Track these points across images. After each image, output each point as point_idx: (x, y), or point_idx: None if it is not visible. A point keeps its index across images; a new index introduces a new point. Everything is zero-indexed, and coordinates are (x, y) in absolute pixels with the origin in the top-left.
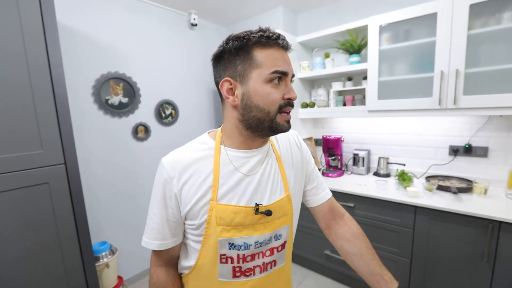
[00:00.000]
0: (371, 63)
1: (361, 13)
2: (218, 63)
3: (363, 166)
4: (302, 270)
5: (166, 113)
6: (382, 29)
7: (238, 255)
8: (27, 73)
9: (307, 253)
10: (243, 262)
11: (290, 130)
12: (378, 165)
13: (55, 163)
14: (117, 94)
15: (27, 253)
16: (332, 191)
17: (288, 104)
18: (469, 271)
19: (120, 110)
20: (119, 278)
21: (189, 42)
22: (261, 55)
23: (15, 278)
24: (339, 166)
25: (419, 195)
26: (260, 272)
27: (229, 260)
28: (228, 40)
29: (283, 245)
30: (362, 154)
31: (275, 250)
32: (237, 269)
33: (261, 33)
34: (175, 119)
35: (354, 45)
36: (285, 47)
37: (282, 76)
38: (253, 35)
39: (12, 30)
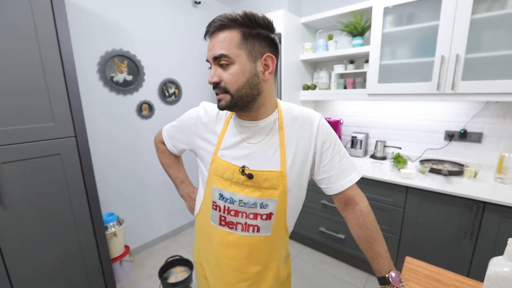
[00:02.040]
0: (373, 46)
1: None
2: None
3: (360, 148)
4: (298, 246)
5: (170, 92)
6: (386, 11)
7: (225, 206)
8: (37, 50)
9: (303, 229)
10: (227, 214)
11: (315, 113)
12: (375, 148)
13: (66, 136)
14: (122, 71)
15: (43, 221)
16: None
17: (213, 87)
18: (452, 248)
19: (124, 87)
20: (126, 247)
21: (193, 20)
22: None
23: (29, 243)
24: None
25: (412, 176)
26: (242, 230)
27: (218, 208)
28: None
29: (268, 216)
30: (360, 137)
31: (259, 216)
32: (222, 218)
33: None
34: (178, 98)
35: (358, 27)
36: (214, 31)
37: (211, 63)
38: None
39: (22, 7)
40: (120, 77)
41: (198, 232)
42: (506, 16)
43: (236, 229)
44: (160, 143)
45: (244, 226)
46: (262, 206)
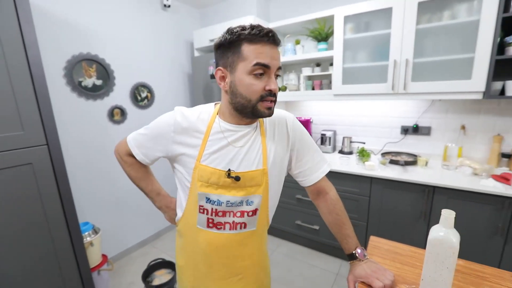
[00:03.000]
0: (336, 50)
1: (330, 2)
2: (216, 52)
3: (329, 145)
4: (276, 240)
5: (142, 96)
6: (346, 19)
7: (212, 209)
8: (1, 54)
9: (280, 224)
10: (215, 216)
11: (289, 114)
12: (343, 144)
13: (37, 144)
14: (91, 76)
15: (15, 234)
16: None
17: (269, 94)
18: (411, 228)
19: (94, 92)
20: (104, 256)
21: (163, 23)
22: (247, 49)
23: (4, 258)
24: None
25: (375, 168)
26: (230, 229)
27: (205, 211)
28: (224, 34)
29: (254, 212)
30: (328, 134)
31: (245, 213)
32: (210, 220)
33: (250, 30)
34: (151, 102)
35: (322, 33)
36: (273, 42)
37: (264, 69)
38: (243, 31)
39: None
40: (89, 81)
41: (182, 237)
42: (443, 27)
43: (224, 228)
44: (125, 156)
45: (232, 225)
46: (248, 203)
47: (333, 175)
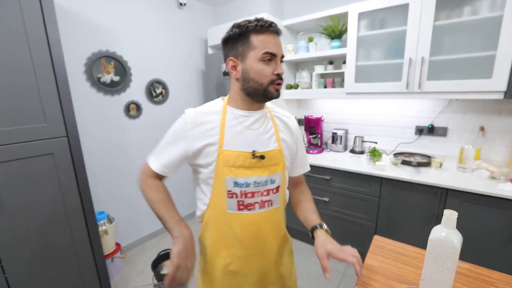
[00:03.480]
0: (350, 48)
1: (341, 0)
2: (225, 45)
3: (340, 144)
4: None
5: (157, 92)
6: (360, 16)
7: (241, 191)
8: (28, 52)
9: (286, 221)
10: (245, 197)
11: (294, 117)
12: (354, 143)
13: (58, 136)
14: (109, 72)
15: (37, 218)
16: (312, 166)
17: (277, 78)
18: (421, 231)
19: (112, 88)
20: (117, 244)
21: (178, 21)
22: (256, 39)
23: (23, 241)
24: (319, 144)
25: (386, 168)
26: (259, 208)
27: (234, 195)
28: (232, 28)
29: (277, 189)
30: (340, 133)
31: (271, 191)
32: (240, 203)
33: (256, 22)
34: (165, 98)
35: (336, 31)
36: (276, 32)
37: (272, 56)
38: (250, 24)
39: (12, 11)
40: (107, 77)
41: (211, 226)
42: (463, 24)
43: (254, 209)
44: (150, 179)
45: (260, 204)
46: (272, 181)
47: (342, 174)
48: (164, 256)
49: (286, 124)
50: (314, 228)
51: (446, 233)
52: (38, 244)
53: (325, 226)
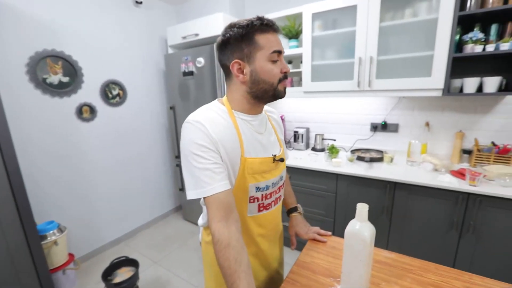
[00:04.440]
0: (305, 48)
1: (299, 0)
2: (225, 47)
3: (302, 142)
4: None
5: (113, 93)
6: (314, 16)
7: (262, 194)
8: None
9: None
10: (265, 199)
11: (275, 111)
12: (315, 141)
13: None
14: (56, 73)
15: None
16: None
17: (285, 76)
18: (374, 223)
19: (60, 89)
20: (70, 255)
21: (135, 20)
22: (262, 39)
23: None
24: None
25: (341, 165)
26: (274, 205)
27: (256, 199)
28: (231, 28)
29: (283, 184)
30: (301, 131)
31: (281, 187)
32: (261, 205)
33: (259, 21)
34: (123, 99)
35: (292, 31)
36: (278, 30)
37: (279, 55)
38: (254, 23)
39: None
40: (54, 78)
41: None
42: (405, 25)
43: (271, 207)
44: (211, 225)
45: (275, 201)
46: (282, 178)
47: (301, 172)
48: (116, 265)
49: (278, 123)
50: (290, 211)
51: (359, 226)
52: None
53: (299, 209)
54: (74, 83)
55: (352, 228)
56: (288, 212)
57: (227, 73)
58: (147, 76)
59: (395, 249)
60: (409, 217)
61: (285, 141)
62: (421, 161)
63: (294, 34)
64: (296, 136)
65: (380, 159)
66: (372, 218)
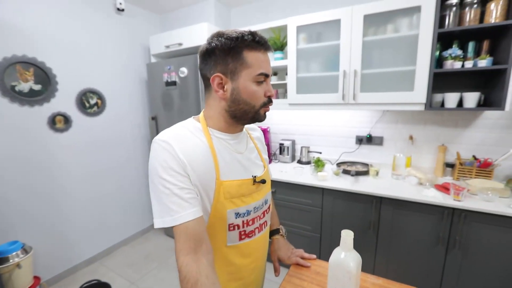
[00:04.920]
0: (290, 60)
1: (285, 12)
2: (209, 57)
3: (288, 154)
4: None
5: (91, 102)
6: (299, 29)
7: (243, 221)
8: None
9: None
10: (247, 226)
11: (257, 128)
12: (301, 153)
13: None
14: (27, 80)
15: None
16: None
17: (269, 100)
18: (361, 238)
19: (31, 98)
20: (36, 278)
21: (116, 27)
22: (250, 57)
23: None
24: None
25: (327, 178)
26: (259, 232)
27: (236, 227)
28: (219, 38)
29: (269, 208)
30: (287, 143)
31: (265, 212)
32: (242, 232)
33: (251, 36)
34: (101, 109)
35: (278, 42)
36: (269, 50)
37: (265, 78)
38: (245, 37)
39: None
40: (24, 86)
41: None
42: (387, 40)
43: (255, 234)
44: (190, 258)
45: (259, 228)
46: (266, 202)
47: (286, 186)
48: None
49: (261, 141)
50: (272, 233)
51: (344, 256)
52: None
53: (282, 231)
54: (46, 91)
55: (337, 258)
56: (269, 234)
57: (207, 84)
58: (128, 85)
59: (382, 265)
60: (396, 232)
61: (270, 154)
62: (406, 174)
63: (279, 46)
64: (281, 148)
65: (365, 173)
66: (359, 233)
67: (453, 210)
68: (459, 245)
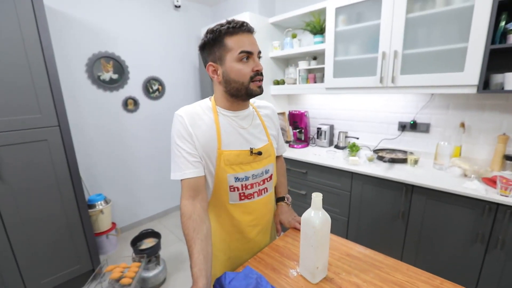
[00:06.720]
0: (328, 43)
1: None
2: (203, 52)
3: (325, 139)
4: None
5: (153, 88)
6: (338, 11)
7: (242, 184)
8: (25, 56)
9: None
10: (245, 189)
11: (273, 107)
12: (338, 138)
13: (50, 125)
14: (108, 71)
15: (34, 199)
16: (291, 159)
17: (257, 74)
18: (389, 227)
19: (111, 85)
20: (113, 223)
21: (174, 22)
22: (230, 41)
23: (23, 214)
24: (304, 139)
25: (358, 163)
26: (258, 196)
27: (236, 189)
28: (206, 34)
29: (270, 177)
30: (324, 128)
31: (265, 180)
32: (241, 194)
33: (227, 24)
34: (161, 94)
35: (317, 26)
36: (249, 31)
37: (248, 55)
38: (222, 27)
39: (11, 22)
40: (106, 76)
41: (212, 215)
42: (437, 15)
43: (254, 197)
44: (188, 202)
45: (258, 192)
46: (266, 172)
47: (316, 168)
48: (144, 235)
49: (270, 119)
50: (278, 200)
51: (313, 214)
52: (37, 218)
53: (287, 199)
54: (121, 79)
55: (307, 215)
56: (276, 200)
57: (209, 74)
58: (184, 72)
59: (411, 254)
60: (428, 223)
61: (308, 138)
62: (450, 165)
63: (319, 30)
64: (319, 132)
65: (403, 160)
66: (387, 220)
67: (497, 206)
68: (501, 245)
